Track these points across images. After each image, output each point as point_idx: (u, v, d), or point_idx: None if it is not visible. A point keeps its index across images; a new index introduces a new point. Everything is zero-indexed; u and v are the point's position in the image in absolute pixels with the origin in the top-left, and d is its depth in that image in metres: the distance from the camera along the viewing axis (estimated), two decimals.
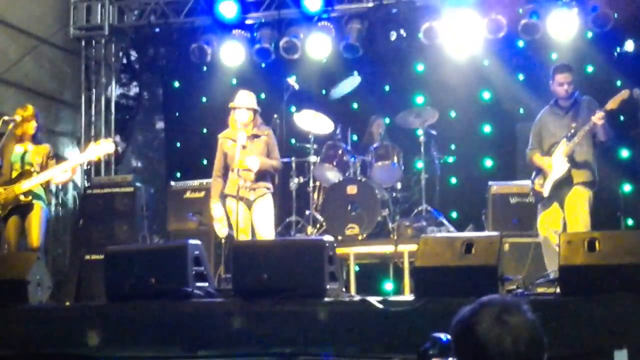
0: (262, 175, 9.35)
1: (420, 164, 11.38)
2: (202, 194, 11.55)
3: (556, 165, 8.73)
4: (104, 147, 9.48)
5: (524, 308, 2.67)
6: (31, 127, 9.48)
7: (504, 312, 2.62)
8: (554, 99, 9.08)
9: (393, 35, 12.67)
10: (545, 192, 8.79)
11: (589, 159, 8.75)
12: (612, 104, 8.50)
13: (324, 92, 13.42)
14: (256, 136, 9.42)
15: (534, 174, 9.05)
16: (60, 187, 12.43)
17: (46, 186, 9.47)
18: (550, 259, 8.42)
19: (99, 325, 7.15)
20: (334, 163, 11.17)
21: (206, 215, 11.05)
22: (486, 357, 2.58)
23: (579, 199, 8.65)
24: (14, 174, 9.33)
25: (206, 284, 7.30)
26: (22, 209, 9.25)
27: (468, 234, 9.18)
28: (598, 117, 8.45)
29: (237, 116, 9.36)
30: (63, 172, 9.42)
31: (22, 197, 9.19)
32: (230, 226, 9.44)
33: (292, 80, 10.78)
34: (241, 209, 9.10)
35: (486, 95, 12.68)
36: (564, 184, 8.72)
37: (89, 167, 13.27)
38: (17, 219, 9.27)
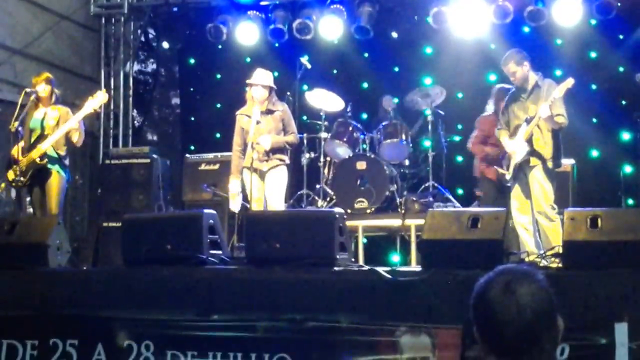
0: (276, 149, 9.52)
1: (427, 142, 11.59)
2: (217, 166, 11.82)
3: (518, 148, 8.89)
4: (99, 99, 9.65)
5: (537, 278, 2.67)
6: (45, 91, 9.62)
7: (514, 281, 2.63)
8: None
9: (403, 18, 12.90)
10: (509, 175, 8.99)
11: (547, 142, 8.87)
12: (558, 92, 8.63)
13: (335, 71, 13.64)
14: (270, 112, 9.57)
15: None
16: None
17: (63, 155, 9.58)
18: (552, 235, 8.58)
19: (115, 289, 7.29)
20: (344, 139, 11.34)
21: (220, 187, 11.29)
22: (494, 323, 2.63)
23: (537, 180, 8.80)
24: (32, 140, 9.50)
25: (220, 252, 7.38)
26: (41, 177, 9.42)
27: (474, 209, 9.34)
28: (542, 111, 8.64)
29: (254, 93, 9.52)
30: (74, 132, 9.53)
31: (37, 160, 9.34)
32: (245, 199, 9.67)
33: (304, 60, 10.94)
34: (255, 179, 9.33)
35: (492, 77, 12.79)
36: (525, 166, 8.89)
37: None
38: (38, 188, 9.48)
